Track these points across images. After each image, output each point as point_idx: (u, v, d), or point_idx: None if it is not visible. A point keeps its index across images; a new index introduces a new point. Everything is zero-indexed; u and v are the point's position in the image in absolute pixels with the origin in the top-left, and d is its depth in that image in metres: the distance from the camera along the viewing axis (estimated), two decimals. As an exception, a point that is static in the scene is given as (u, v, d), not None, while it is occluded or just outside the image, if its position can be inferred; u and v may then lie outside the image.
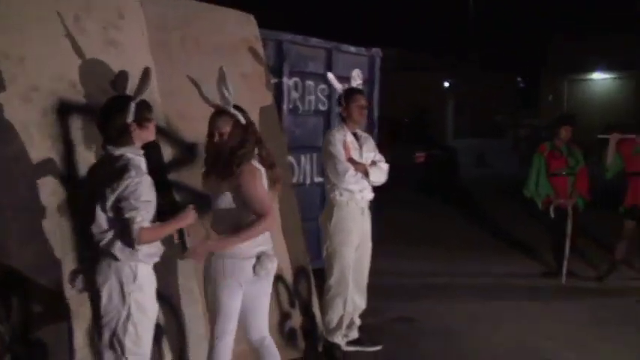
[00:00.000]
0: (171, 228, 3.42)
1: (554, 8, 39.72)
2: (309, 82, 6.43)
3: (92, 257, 3.33)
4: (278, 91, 6.06)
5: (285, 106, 6.15)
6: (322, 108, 6.61)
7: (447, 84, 31.97)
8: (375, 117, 7.16)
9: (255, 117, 4.86)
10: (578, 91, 39.29)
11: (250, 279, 3.72)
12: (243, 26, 5.49)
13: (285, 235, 5.16)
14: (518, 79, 43.90)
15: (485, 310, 6.48)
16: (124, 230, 3.19)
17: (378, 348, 5.33)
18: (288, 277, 5.14)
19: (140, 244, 3.20)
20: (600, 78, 38.08)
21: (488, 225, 11.70)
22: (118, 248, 3.23)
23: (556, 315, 6.35)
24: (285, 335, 4.97)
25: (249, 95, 5.21)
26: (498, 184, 19.44)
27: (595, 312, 6.45)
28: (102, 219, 3.24)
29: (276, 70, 6.07)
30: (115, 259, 3.25)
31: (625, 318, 6.24)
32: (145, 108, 3.40)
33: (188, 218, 3.46)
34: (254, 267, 3.71)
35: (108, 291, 3.26)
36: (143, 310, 3.31)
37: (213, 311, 3.77)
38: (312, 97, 6.48)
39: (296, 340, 5.05)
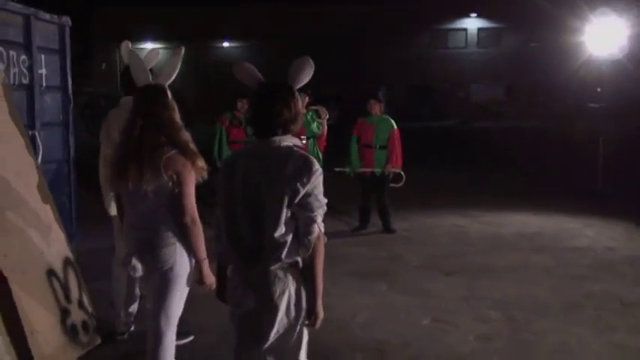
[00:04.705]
0: (320, 282, 3.01)
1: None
2: (12, 53, 5.69)
3: (255, 264, 2.93)
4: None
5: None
6: (25, 81, 5.90)
7: None
8: (70, 92, 6.65)
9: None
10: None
11: None
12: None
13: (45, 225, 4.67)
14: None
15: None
16: (304, 229, 2.88)
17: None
18: (59, 269, 4.67)
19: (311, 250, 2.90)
20: (152, 47, 39.68)
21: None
22: (302, 252, 2.90)
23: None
24: (68, 332, 4.54)
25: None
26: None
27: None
28: (283, 221, 2.82)
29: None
30: (296, 265, 2.87)
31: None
32: None
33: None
34: None
35: (286, 302, 2.87)
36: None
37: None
38: (17, 70, 5.75)
39: (78, 336, 4.65)
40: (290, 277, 2.93)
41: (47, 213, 4.78)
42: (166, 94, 3.73)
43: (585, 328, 5.20)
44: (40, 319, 4.32)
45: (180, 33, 37.77)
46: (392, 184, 8.59)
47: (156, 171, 3.52)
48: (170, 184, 3.55)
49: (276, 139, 2.93)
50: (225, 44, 39.80)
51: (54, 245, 4.71)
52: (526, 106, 36.48)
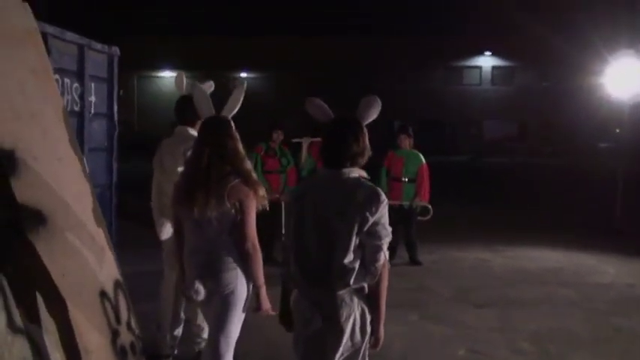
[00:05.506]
0: (384, 307, 3.22)
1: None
2: (67, 80, 5.92)
3: (323, 288, 3.10)
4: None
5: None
6: (76, 109, 6.12)
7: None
8: (116, 119, 6.87)
9: (50, 118, 4.52)
10: (148, 87, 40.89)
11: None
12: (22, 15, 4.86)
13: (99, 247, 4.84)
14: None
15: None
16: (372, 256, 3.05)
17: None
18: (110, 291, 4.82)
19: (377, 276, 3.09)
20: (169, 76, 40.24)
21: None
22: (369, 279, 3.07)
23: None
24: (118, 353, 4.67)
25: (41, 95, 4.71)
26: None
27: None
28: (352, 248, 2.98)
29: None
30: (362, 290, 3.04)
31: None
32: None
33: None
34: None
35: (352, 325, 3.03)
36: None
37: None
38: (70, 97, 5.97)
39: (126, 357, 4.78)
40: (356, 302, 3.07)
41: (100, 236, 4.93)
42: (231, 126, 3.89)
43: (618, 362, 5.31)
44: (92, 339, 4.46)
45: (195, 63, 38.13)
46: (419, 218, 8.74)
47: (220, 199, 3.67)
48: (233, 211, 3.71)
49: (345, 170, 3.09)
50: (244, 74, 40.22)
51: (106, 267, 4.86)
52: (538, 144, 36.72)
